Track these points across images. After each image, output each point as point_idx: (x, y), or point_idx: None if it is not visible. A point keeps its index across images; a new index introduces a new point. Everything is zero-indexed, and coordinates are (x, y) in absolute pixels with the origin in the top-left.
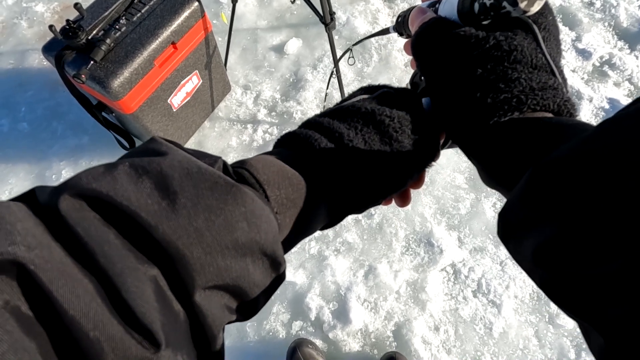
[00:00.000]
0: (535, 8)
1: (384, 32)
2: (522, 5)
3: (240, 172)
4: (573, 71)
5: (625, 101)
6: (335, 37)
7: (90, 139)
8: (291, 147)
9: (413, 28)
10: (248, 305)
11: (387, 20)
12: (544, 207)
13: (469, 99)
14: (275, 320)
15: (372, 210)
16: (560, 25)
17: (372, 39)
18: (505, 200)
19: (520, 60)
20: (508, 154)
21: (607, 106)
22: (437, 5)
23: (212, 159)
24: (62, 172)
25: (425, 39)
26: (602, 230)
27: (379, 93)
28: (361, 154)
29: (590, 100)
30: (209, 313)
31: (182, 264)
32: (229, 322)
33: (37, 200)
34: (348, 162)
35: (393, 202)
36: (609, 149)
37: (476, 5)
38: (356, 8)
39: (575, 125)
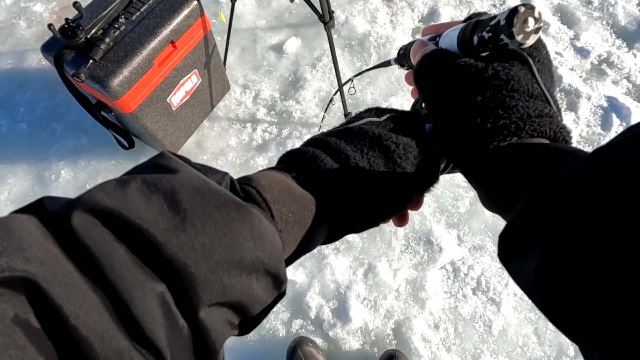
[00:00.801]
0: (530, 41)
1: (386, 64)
2: (519, 38)
3: (247, 189)
4: (571, 69)
5: (623, 99)
6: (335, 37)
7: (89, 139)
8: (296, 164)
9: (415, 59)
10: (249, 321)
11: (385, 19)
12: (545, 226)
13: (469, 124)
14: (275, 319)
15: None
16: (558, 23)
17: (371, 35)
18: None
19: (517, 89)
20: (507, 178)
21: (605, 104)
22: (437, 39)
23: (219, 176)
24: (61, 172)
25: (428, 68)
26: (602, 249)
27: (386, 117)
28: (365, 177)
29: (589, 99)
30: (212, 329)
31: (189, 280)
32: (230, 336)
33: (45, 211)
34: (352, 185)
35: (391, 221)
36: (607, 169)
37: (475, 38)
38: (355, 7)
39: (571, 151)
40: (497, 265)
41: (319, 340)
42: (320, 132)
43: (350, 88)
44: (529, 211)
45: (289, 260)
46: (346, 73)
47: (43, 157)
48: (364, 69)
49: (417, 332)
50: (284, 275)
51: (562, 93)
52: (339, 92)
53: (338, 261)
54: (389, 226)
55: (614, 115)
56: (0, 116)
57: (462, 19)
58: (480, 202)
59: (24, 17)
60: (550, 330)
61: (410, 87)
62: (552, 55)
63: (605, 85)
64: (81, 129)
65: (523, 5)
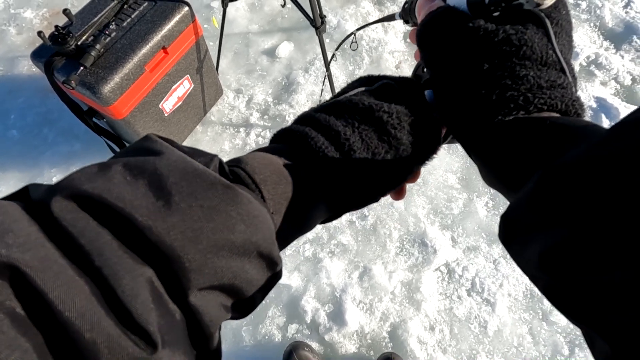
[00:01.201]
0: (549, 1)
1: (390, 18)
2: None
3: (236, 171)
4: None
5: (611, 100)
6: (327, 41)
7: (82, 146)
8: (288, 144)
9: (420, 16)
10: (244, 304)
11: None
12: (553, 211)
13: (473, 94)
14: (270, 324)
15: (365, 211)
16: None
17: (363, 41)
18: (504, 200)
19: (530, 56)
20: (512, 154)
21: (594, 105)
22: None
23: (207, 158)
24: (53, 179)
25: (432, 29)
26: (612, 238)
27: (378, 85)
28: (358, 153)
29: None
30: (206, 312)
31: (178, 265)
32: (226, 320)
33: (30, 199)
34: (345, 162)
35: (388, 197)
36: (621, 154)
37: None
38: (347, 11)
39: (583, 127)
40: (492, 266)
41: (315, 345)
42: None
43: (352, 43)
44: (535, 195)
45: (283, 242)
46: (339, 77)
47: (35, 164)
48: (366, 23)
49: (413, 334)
50: (277, 256)
51: None
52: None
53: (333, 264)
54: (383, 228)
55: (603, 116)
56: None
57: None
58: (472, 203)
59: (14, 24)
60: (544, 330)
61: (415, 48)
62: None
63: (594, 87)
64: (73, 135)
65: None
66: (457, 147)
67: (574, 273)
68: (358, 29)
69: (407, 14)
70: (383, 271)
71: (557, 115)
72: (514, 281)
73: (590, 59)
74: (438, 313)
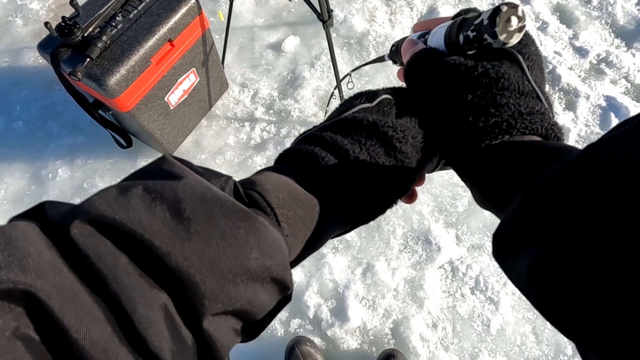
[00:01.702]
0: (514, 40)
1: (380, 60)
2: (502, 37)
3: (251, 194)
4: (570, 69)
5: (621, 99)
6: (333, 35)
7: (86, 138)
8: (296, 164)
9: (405, 57)
10: (254, 327)
11: (384, 18)
12: (537, 226)
13: (461, 123)
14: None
15: None
16: (557, 23)
17: (370, 37)
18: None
19: (508, 87)
20: (500, 175)
21: (604, 104)
22: (426, 37)
23: (222, 180)
24: (58, 171)
25: (417, 67)
26: (594, 249)
27: (378, 101)
28: (367, 169)
29: (587, 98)
30: (218, 338)
31: (194, 291)
32: (235, 344)
33: (47, 217)
34: (356, 179)
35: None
36: (599, 168)
37: (461, 37)
38: (354, 6)
39: (563, 148)
40: (495, 264)
41: (317, 340)
42: (312, 126)
43: (348, 83)
44: (520, 212)
45: (296, 262)
46: (345, 72)
47: (40, 156)
48: (359, 64)
49: (415, 332)
50: (290, 282)
51: (561, 92)
52: (337, 90)
53: (336, 260)
54: (387, 225)
55: (612, 115)
56: None
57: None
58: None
59: (20, 15)
60: (548, 329)
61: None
62: (550, 54)
63: (603, 85)
64: (78, 127)
65: (506, 4)
66: None
67: (561, 286)
68: (353, 70)
69: (394, 55)
70: (386, 268)
71: (539, 139)
72: None
73: (600, 57)
74: (441, 311)
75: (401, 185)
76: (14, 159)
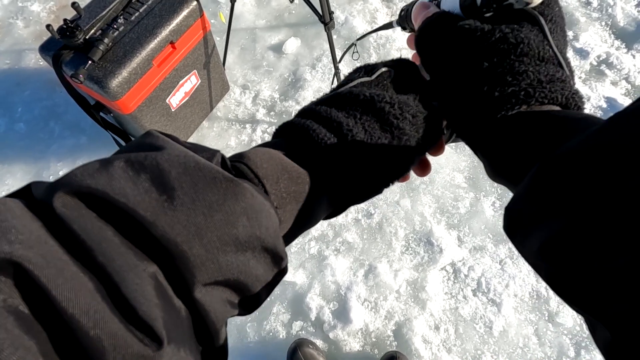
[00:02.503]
0: (538, 0)
1: (388, 26)
2: None
3: (239, 166)
4: None
5: (622, 100)
6: (334, 37)
7: (88, 139)
8: (289, 137)
9: (416, 23)
10: (250, 300)
11: (385, 19)
12: (551, 202)
13: (475, 92)
14: (275, 321)
15: (371, 209)
16: None
17: (371, 38)
18: (510, 194)
19: (527, 52)
20: (515, 148)
21: (604, 105)
22: (439, 0)
23: (210, 153)
24: (59, 173)
25: (429, 33)
26: (609, 226)
27: (377, 75)
28: (361, 144)
29: (588, 100)
30: (211, 308)
31: (182, 260)
32: (232, 316)
33: (33, 196)
34: (348, 153)
35: (394, 196)
36: (618, 143)
37: None
38: (354, 7)
39: (584, 119)
40: (498, 266)
41: (319, 342)
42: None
43: (353, 53)
44: (533, 187)
45: (289, 237)
46: (346, 73)
47: (41, 157)
48: (366, 32)
49: (417, 334)
50: (282, 251)
51: None
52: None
53: (338, 262)
54: (389, 226)
55: None
56: None
57: None
58: (479, 202)
59: (21, 17)
60: (550, 331)
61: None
62: None
63: (604, 86)
64: (80, 128)
65: None
66: (465, 147)
67: (575, 262)
68: (359, 39)
69: (404, 21)
70: (388, 270)
71: (558, 108)
72: (521, 282)
73: (600, 59)
74: (443, 312)
75: (397, 164)
76: (15, 160)
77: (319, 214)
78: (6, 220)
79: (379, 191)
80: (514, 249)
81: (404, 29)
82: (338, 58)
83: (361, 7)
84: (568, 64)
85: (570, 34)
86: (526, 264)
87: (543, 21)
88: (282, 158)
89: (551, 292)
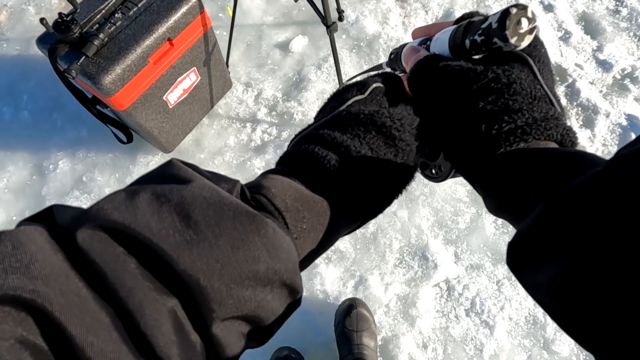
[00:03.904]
0: (525, 43)
1: (377, 68)
2: (513, 40)
3: (259, 198)
4: (591, 83)
5: None
6: (343, 36)
7: (88, 132)
8: (299, 165)
9: (407, 65)
10: (264, 332)
11: (397, 20)
12: (559, 240)
13: (472, 131)
14: None
15: None
16: (581, 33)
17: (381, 37)
18: (512, 228)
19: (520, 92)
20: (516, 184)
21: (624, 122)
22: (428, 43)
23: (230, 184)
24: (59, 163)
25: (422, 74)
26: (621, 266)
27: (370, 91)
28: (371, 163)
29: (607, 116)
30: (227, 343)
31: (202, 296)
32: (245, 349)
33: (55, 222)
34: (361, 174)
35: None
36: (628, 180)
37: (467, 42)
38: (366, 7)
39: (581, 156)
40: (494, 287)
41: (302, 351)
42: (307, 125)
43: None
44: (541, 223)
45: (305, 265)
46: (351, 75)
47: (43, 147)
48: (354, 74)
49: (404, 351)
50: (299, 286)
51: (579, 108)
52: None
53: (329, 271)
54: (383, 237)
55: (633, 135)
56: (4, 104)
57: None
58: (480, 218)
59: (33, 4)
60: (544, 359)
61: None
62: (571, 67)
63: (626, 102)
64: (81, 121)
65: (515, 5)
66: None
67: (585, 302)
68: (348, 80)
69: (394, 63)
70: (379, 282)
71: (555, 145)
72: (517, 305)
73: (625, 72)
74: (433, 331)
75: (405, 174)
76: (18, 149)
77: (338, 236)
78: (29, 251)
79: (391, 202)
80: None
81: (394, 70)
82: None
83: (373, 7)
84: (558, 101)
85: (594, 44)
86: None
87: (532, 62)
88: (299, 188)
89: (548, 319)
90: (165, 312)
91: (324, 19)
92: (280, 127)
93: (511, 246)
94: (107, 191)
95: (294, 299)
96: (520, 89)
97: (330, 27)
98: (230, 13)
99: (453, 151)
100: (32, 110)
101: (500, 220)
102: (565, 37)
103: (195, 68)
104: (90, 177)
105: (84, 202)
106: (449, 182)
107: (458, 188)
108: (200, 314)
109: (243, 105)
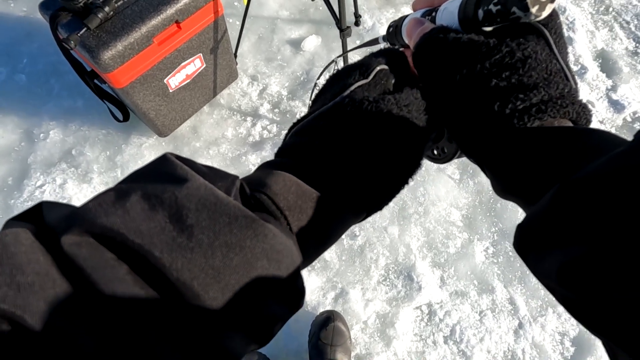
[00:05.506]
0: (546, 12)
1: (373, 42)
2: (534, 10)
3: (259, 197)
4: (601, 122)
5: None
6: (357, 42)
7: (84, 104)
8: (298, 159)
9: (411, 40)
10: (264, 335)
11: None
12: (571, 226)
13: (484, 110)
14: None
15: (356, 231)
16: (597, 70)
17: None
18: (506, 249)
19: (535, 67)
20: (530, 165)
21: None
22: (433, 14)
23: (228, 181)
24: (50, 133)
25: (429, 50)
26: (635, 255)
27: (374, 75)
28: (376, 154)
29: None
30: (229, 349)
31: (197, 304)
32: (246, 352)
33: (43, 221)
34: (365, 167)
35: (381, 222)
36: None
37: (480, 12)
38: (384, 14)
39: (599, 134)
40: (477, 317)
41: (273, 358)
42: (306, 113)
43: (333, 70)
44: (553, 208)
45: (309, 261)
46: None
47: (35, 113)
48: (348, 49)
49: None
50: (301, 289)
51: None
52: None
53: (310, 279)
54: (370, 252)
55: None
56: (1, 63)
57: None
58: (471, 245)
59: None
60: None
61: None
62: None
63: None
64: (78, 91)
65: None
66: (468, 182)
67: (596, 289)
68: (339, 56)
69: (392, 37)
70: (360, 297)
71: (570, 123)
72: (497, 338)
73: (636, 115)
74: (408, 354)
75: (412, 163)
76: (9, 112)
77: (343, 231)
78: (15, 255)
79: (397, 193)
80: (497, 301)
81: (392, 45)
82: (318, 76)
83: (392, 15)
84: (573, 76)
85: (609, 82)
86: (507, 321)
87: (548, 34)
88: (301, 185)
89: (527, 356)
90: (158, 321)
91: (339, 22)
92: (281, 126)
93: (520, 229)
94: (95, 168)
95: (296, 304)
96: (536, 64)
97: (344, 31)
98: (245, 2)
99: (461, 132)
100: (30, 74)
101: (492, 249)
102: (581, 72)
103: (202, 54)
104: (79, 151)
105: (70, 176)
106: (445, 204)
107: (453, 211)
108: (197, 322)
109: (246, 98)
